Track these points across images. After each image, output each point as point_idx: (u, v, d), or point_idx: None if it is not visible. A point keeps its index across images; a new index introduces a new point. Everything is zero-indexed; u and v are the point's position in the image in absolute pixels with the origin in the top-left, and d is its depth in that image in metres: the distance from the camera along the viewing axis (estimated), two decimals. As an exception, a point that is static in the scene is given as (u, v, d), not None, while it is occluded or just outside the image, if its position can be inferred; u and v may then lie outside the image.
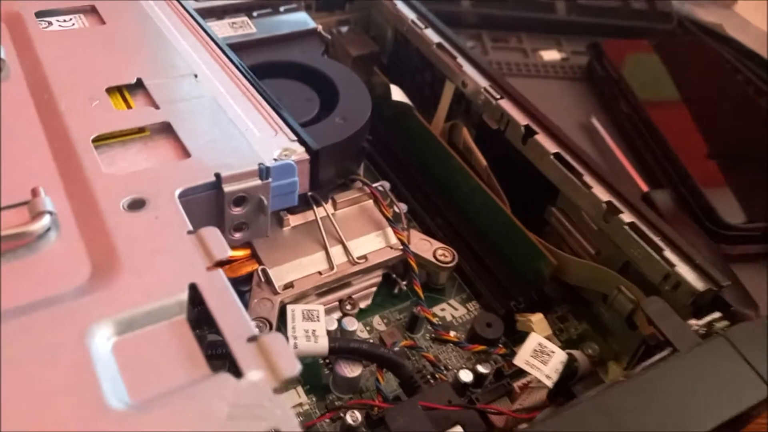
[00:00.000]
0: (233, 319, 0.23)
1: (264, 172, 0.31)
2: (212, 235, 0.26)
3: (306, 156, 0.33)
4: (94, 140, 0.31)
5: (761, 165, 0.64)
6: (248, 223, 0.32)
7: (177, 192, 0.28)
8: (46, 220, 0.25)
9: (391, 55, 0.64)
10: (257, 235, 0.33)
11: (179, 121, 0.33)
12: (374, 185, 0.53)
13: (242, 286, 0.47)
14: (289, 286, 0.46)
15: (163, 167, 0.30)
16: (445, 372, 0.45)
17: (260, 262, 0.47)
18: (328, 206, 0.51)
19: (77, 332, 0.22)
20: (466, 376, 0.43)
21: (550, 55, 0.78)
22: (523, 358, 0.41)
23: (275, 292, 0.45)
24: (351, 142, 0.49)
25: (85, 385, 0.21)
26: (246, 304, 0.44)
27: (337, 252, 0.48)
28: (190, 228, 0.27)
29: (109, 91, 0.34)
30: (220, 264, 0.25)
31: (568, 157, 0.47)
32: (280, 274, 0.46)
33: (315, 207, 0.50)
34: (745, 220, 0.59)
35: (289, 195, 0.33)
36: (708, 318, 0.40)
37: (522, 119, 0.50)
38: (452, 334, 0.48)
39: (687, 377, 0.35)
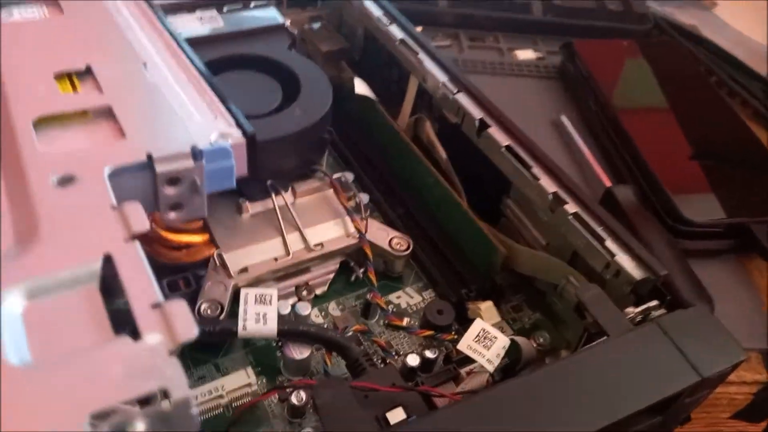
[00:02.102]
0: (141, 286, 0.24)
1: (197, 153, 0.32)
2: (134, 210, 0.27)
3: (242, 140, 0.34)
4: (37, 122, 0.33)
5: (727, 164, 0.65)
6: (183, 203, 0.33)
7: (106, 170, 0.29)
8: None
9: (362, 52, 0.66)
10: (194, 215, 0.34)
11: (121, 105, 0.34)
12: (336, 176, 0.54)
13: (200, 270, 0.49)
14: (243, 270, 0.47)
15: (98, 147, 0.31)
16: (395, 357, 0.46)
17: (217, 247, 0.48)
18: (288, 195, 0.52)
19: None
20: (413, 360, 0.44)
21: (526, 54, 0.79)
22: (466, 342, 0.42)
23: (229, 276, 0.46)
24: (309, 133, 0.50)
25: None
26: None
27: (294, 239, 0.49)
28: (114, 203, 0.28)
29: (58, 77, 0.35)
30: (141, 237, 0.26)
31: (518, 150, 0.48)
32: (236, 259, 0.47)
33: (274, 195, 0.51)
34: (707, 216, 0.59)
35: (225, 178, 0.34)
36: (644, 306, 0.41)
37: (477, 113, 0.51)
38: (405, 320, 0.49)
39: (615, 362, 0.36)
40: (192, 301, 0.45)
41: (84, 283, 0.25)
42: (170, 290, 0.47)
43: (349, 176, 0.56)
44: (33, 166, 0.29)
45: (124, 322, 0.27)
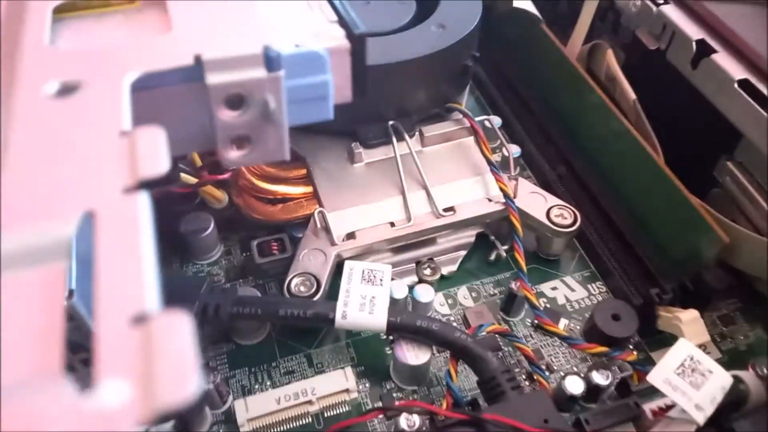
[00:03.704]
0: (120, 276, 0.13)
1: (273, 59, 0.20)
2: (151, 139, 0.16)
3: (345, 43, 0.22)
4: (59, 10, 0.23)
5: None
6: (251, 136, 0.22)
7: (128, 77, 0.19)
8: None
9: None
10: (267, 156, 0.22)
11: (177, -13, 0.23)
12: (478, 119, 0.40)
13: (298, 231, 0.38)
14: (351, 236, 0.36)
15: (126, 44, 0.21)
16: (546, 375, 0.33)
17: (320, 204, 0.37)
18: (414, 141, 0.39)
19: None
20: (575, 385, 0.31)
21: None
22: (663, 374, 0.28)
23: (332, 243, 0.35)
24: (449, 57, 0.37)
25: None
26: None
27: (418, 199, 0.37)
28: (125, 127, 0.17)
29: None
30: (150, 185, 0.15)
31: (761, 87, 0.32)
32: (342, 221, 0.36)
33: (395, 140, 0.39)
34: None
35: (318, 102, 0.22)
36: None
37: (695, 32, 0.35)
38: (562, 324, 0.35)
39: None
40: (287, 271, 0.34)
41: (44, 259, 0.14)
42: (260, 254, 0.37)
43: (496, 121, 0.42)
44: (28, 67, 0.19)
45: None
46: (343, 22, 0.23)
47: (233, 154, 0.22)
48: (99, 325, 0.12)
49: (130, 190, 0.15)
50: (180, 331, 0.12)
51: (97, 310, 0.12)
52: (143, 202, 0.15)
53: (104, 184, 0.15)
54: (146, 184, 0.15)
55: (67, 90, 0.19)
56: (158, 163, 0.15)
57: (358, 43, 0.22)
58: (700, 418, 0.27)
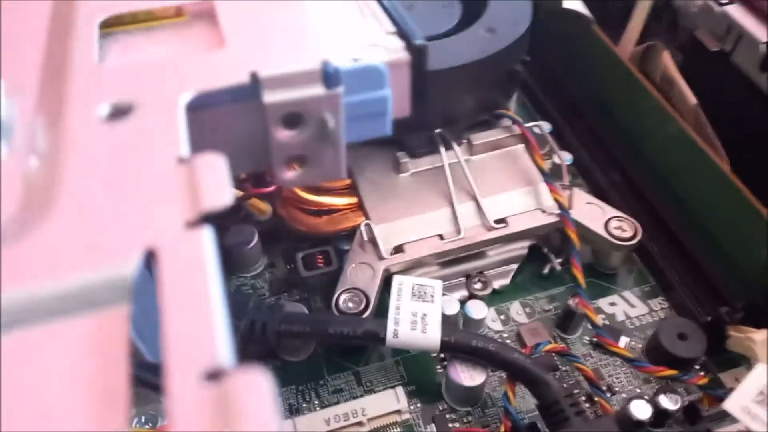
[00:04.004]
0: (190, 325, 0.12)
1: (332, 74, 0.19)
2: (212, 166, 0.15)
3: (406, 56, 0.21)
4: (105, 24, 0.22)
5: None
6: (307, 156, 0.21)
7: (183, 98, 0.18)
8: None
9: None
10: (324, 175, 0.21)
11: (231, 3, 0.22)
12: (528, 125, 0.39)
13: (343, 243, 0.37)
14: (399, 250, 0.34)
15: (180, 62, 0.20)
16: (608, 397, 0.31)
17: (366, 216, 0.36)
18: (462, 149, 0.38)
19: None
20: (641, 410, 0.29)
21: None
22: (741, 401, 0.26)
23: (380, 257, 0.34)
24: (498, 63, 0.36)
25: None
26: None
27: (467, 211, 0.36)
28: (184, 154, 0.16)
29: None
30: (210, 220, 0.14)
31: None
32: (389, 234, 0.35)
33: (442, 149, 0.37)
34: None
35: (376, 118, 0.21)
36: None
37: (763, 34, 0.33)
38: (622, 342, 0.34)
39: None
40: (332, 284, 0.33)
41: (102, 303, 0.13)
42: (306, 267, 0.36)
43: (546, 126, 0.41)
44: (80, 88, 0.18)
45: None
46: (401, 32, 0.22)
47: (289, 174, 0.21)
48: (170, 383, 0.11)
49: (192, 225, 0.14)
50: (259, 389, 0.11)
51: (166, 366, 0.11)
52: (208, 238, 0.14)
53: (164, 218, 0.14)
54: (209, 218, 0.14)
55: (119, 112, 0.18)
56: (222, 194, 0.14)
57: (418, 54, 0.21)
58: (785, 452, 0.25)
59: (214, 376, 0.11)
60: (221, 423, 0.11)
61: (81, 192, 0.15)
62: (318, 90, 0.19)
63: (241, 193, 0.35)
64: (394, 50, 0.21)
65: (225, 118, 0.19)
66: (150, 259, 0.14)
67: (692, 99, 0.38)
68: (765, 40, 0.33)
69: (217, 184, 0.15)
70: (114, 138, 0.17)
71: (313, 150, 0.21)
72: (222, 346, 0.12)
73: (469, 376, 0.31)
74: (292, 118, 0.20)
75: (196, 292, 0.13)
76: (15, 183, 0.15)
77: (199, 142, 0.19)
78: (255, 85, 0.19)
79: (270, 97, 0.19)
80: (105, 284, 0.13)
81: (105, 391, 0.12)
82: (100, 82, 0.19)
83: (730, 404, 0.26)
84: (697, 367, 0.33)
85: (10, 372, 0.12)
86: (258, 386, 0.11)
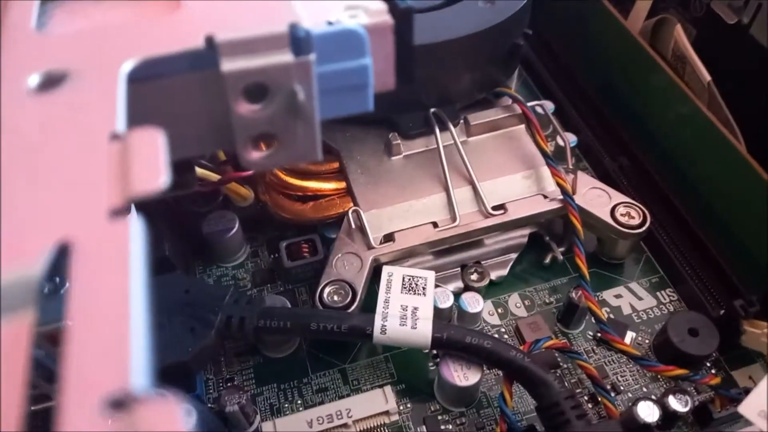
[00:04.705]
0: (98, 338, 0.10)
1: (301, 38, 0.17)
2: (148, 143, 0.13)
3: (388, 20, 0.18)
4: (51, -15, 0.19)
5: None
6: (277, 135, 0.18)
7: (125, 66, 0.15)
8: None
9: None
10: (297, 157, 0.19)
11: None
12: (530, 104, 0.36)
13: (330, 231, 0.35)
14: (389, 238, 0.32)
15: (125, 27, 0.17)
16: (613, 397, 0.29)
17: (354, 203, 0.33)
18: (458, 130, 0.35)
19: None
20: (649, 412, 0.27)
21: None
22: (757, 404, 0.24)
23: (369, 246, 0.32)
24: (498, 36, 0.33)
25: None
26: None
27: (463, 196, 0.33)
28: (119, 128, 0.14)
29: None
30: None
31: None
32: (379, 222, 0.33)
33: (437, 130, 0.35)
34: None
35: (355, 91, 0.19)
36: None
37: (788, 2, 0.30)
38: (629, 337, 0.31)
39: None
40: (317, 275, 0.31)
41: (7, 309, 0.11)
42: (289, 257, 0.34)
43: (549, 106, 0.38)
44: (10, 56, 0.16)
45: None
46: (385, -7, 0.19)
47: (255, 155, 0.18)
48: (64, 409, 0.09)
49: (117, 213, 0.12)
50: (172, 424, 0.09)
51: (63, 386, 0.09)
52: (134, 229, 0.11)
53: (86, 205, 0.12)
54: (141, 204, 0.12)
55: (51, 82, 0.15)
56: (154, 176, 0.12)
57: (403, 18, 0.19)
58: (808, 463, 0.23)
59: (120, 404, 0.09)
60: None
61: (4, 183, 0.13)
62: (286, 57, 0.17)
63: (219, 176, 0.33)
64: (376, 13, 0.18)
65: (177, 90, 0.17)
66: (64, 254, 0.11)
67: (706, 76, 0.35)
68: (788, 10, 0.30)
69: (150, 165, 0.12)
70: (41, 111, 0.14)
71: (282, 127, 0.18)
72: (136, 367, 0.09)
73: (462, 375, 0.28)
74: (256, 89, 0.17)
75: (111, 296, 0.10)
76: None
77: (147, 119, 0.16)
78: (211, 50, 0.16)
79: (229, 64, 0.16)
80: (8, 286, 0.11)
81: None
82: (35, 51, 0.16)
83: (745, 408, 0.24)
84: (709, 364, 0.30)
85: None
86: (170, 422, 0.09)
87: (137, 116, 0.15)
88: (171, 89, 0.17)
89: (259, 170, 0.32)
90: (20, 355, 0.10)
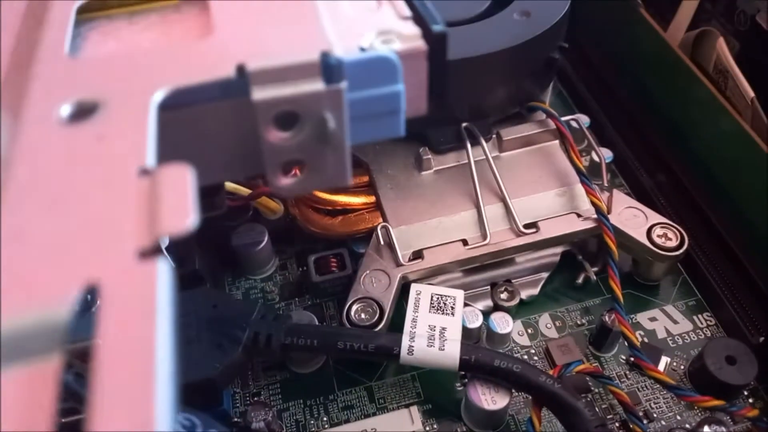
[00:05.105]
0: (123, 385, 0.09)
1: (332, 68, 0.16)
2: (178, 178, 0.13)
3: (422, 45, 0.18)
4: (86, 9, 0.19)
5: None
6: (306, 161, 0.18)
7: (156, 96, 0.15)
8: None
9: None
10: (325, 183, 0.19)
11: (223, -18, 0.19)
12: (564, 119, 0.35)
13: (359, 246, 0.34)
14: (418, 255, 0.32)
15: (157, 53, 0.17)
16: (645, 424, 0.28)
17: (384, 218, 0.33)
18: (490, 145, 0.35)
19: None
20: (682, 444, 0.26)
21: None
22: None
23: (397, 263, 0.31)
24: (533, 50, 0.33)
25: None
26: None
27: (495, 214, 0.33)
28: (149, 163, 0.13)
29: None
30: (161, 251, 0.12)
31: None
32: (408, 238, 0.32)
33: (469, 145, 0.34)
34: None
35: (387, 117, 0.18)
36: None
37: (840, 17, 0.29)
38: (663, 363, 0.31)
39: None
40: (345, 289, 0.31)
41: (32, 352, 0.11)
42: (318, 271, 0.34)
43: (584, 120, 0.37)
44: (42, 84, 0.16)
45: None
46: (419, 17, 0.19)
47: (284, 182, 0.18)
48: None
49: (146, 255, 0.11)
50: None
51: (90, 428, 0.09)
52: (162, 271, 0.11)
53: (114, 245, 0.12)
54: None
55: (82, 112, 0.15)
56: (182, 217, 0.12)
57: (437, 43, 0.18)
58: None
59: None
60: None
61: (23, 210, 0.13)
62: (317, 85, 0.17)
63: (250, 191, 0.33)
64: (409, 38, 0.18)
65: (207, 117, 0.17)
66: (92, 296, 0.11)
67: (750, 92, 0.34)
68: (840, 25, 0.29)
69: (179, 204, 0.12)
70: (72, 143, 0.15)
71: (312, 154, 0.18)
72: (160, 413, 0.09)
73: (490, 399, 0.28)
74: (287, 117, 0.17)
75: (137, 342, 0.10)
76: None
77: (178, 147, 0.17)
78: (242, 79, 0.16)
79: (260, 93, 0.16)
80: (34, 329, 0.11)
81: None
82: (67, 77, 0.17)
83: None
84: (746, 393, 0.29)
85: None
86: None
87: (167, 143, 0.15)
88: (201, 116, 0.17)
89: (289, 196, 0.32)
90: (48, 398, 0.10)
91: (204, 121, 0.17)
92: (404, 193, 0.34)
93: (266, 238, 0.34)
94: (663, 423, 0.29)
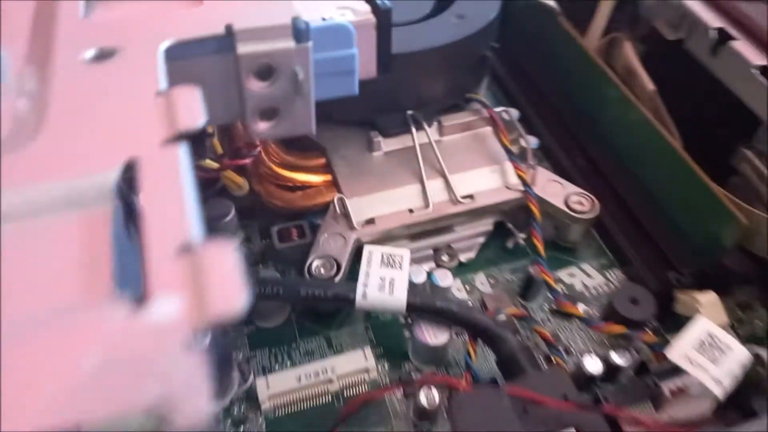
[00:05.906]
0: (167, 214, 0.14)
1: (302, 30, 0.21)
2: (187, 96, 0.17)
3: (371, 18, 0.23)
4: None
5: None
6: (279, 108, 0.22)
7: (163, 45, 0.19)
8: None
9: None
10: (296, 129, 0.23)
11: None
12: (497, 109, 0.41)
13: (317, 218, 0.39)
14: (370, 222, 0.36)
15: (159, 14, 0.21)
16: (564, 356, 0.33)
17: (339, 191, 0.37)
18: (432, 130, 0.40)
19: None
20: (593, 365, 0.31)
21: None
22: (682, 350, 0.28)
23: (351, 227, 0.36)
24: (467, 47, 0.38)
25: None
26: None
27: (436, 187, 0.38)
28: (161, 87, 0.18)
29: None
30: (186, 137, 0.16)
31: (782, 71, 0.32)
32: (361, 207, 0.37)
33: (414, 130, 0.39)
34: None
35: (344, 76, 0.23)
36: None
37: (714, 20, 0.35)
38: (580, 307, 0.36)
39: None
40: (305, 257, 0.35)
41: (89, 203, 0.15)
42: (280, 239, 0.38)
43: (514, 113, 0.43)
44: (65, 38, 0.20)
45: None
46: (370, -2, 0.24)
47: (261, 126, 0.23)
48: (147, 255, 0.13)
49: (170, 141, 0.16)
50: (226, 255, 0.13)
51: (144, 243, 0.13)
52: (183, 151, 0.16)
53: (144, 136, 0.16)
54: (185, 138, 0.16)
55: (103, 56, 0.19)
56: (195, 117, 0.16)
57: (383, 17, 0.23)
58: (720, 392, 0.27)
59: (187, 249, 0.13)
60: (194, 280, 0.12)
61: (68, 116, 0.17)
62: (289, 43, 0.21)
63: (217, 165, 0.37)
64: (362, 12, 0.23)
65: (202, 68, 0.21)
66: (131, 169, 0.15)
67: (650, 86, 0.41)
68: (716, 26, 0.36)
69: (191, 108, 0.16)
70: (98, 76, 0.19)
71: (285, 102, 0.22)
72: (193, 224, 0.13)
73: (433, 335, 0.32)
74: (265, 70, 0.22)
75: (171, 187, 0.14)
76: (7, 115, 0.17)
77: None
78: (230, 36, 0.21)
79: (243, 48, 0.21)
80: (91, 188, 0.15)
81: (91, 272, 0.13)
82: (85, 33, 0.21)
83: (671, 353, 0.28)
84: (649, 329, 0.35)
85: (9, 256, 0.14)
86: (225, 252, 0.13)
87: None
88: (197, 68, 0.21)
89: (264, 139, 0.36)
90: (106, 232, 0.14)
91: (199, 72, 0.21)
92: (357, 169, 0.39)
93: (233, 211, 0.38)
94: (579, 356, 0.34)
